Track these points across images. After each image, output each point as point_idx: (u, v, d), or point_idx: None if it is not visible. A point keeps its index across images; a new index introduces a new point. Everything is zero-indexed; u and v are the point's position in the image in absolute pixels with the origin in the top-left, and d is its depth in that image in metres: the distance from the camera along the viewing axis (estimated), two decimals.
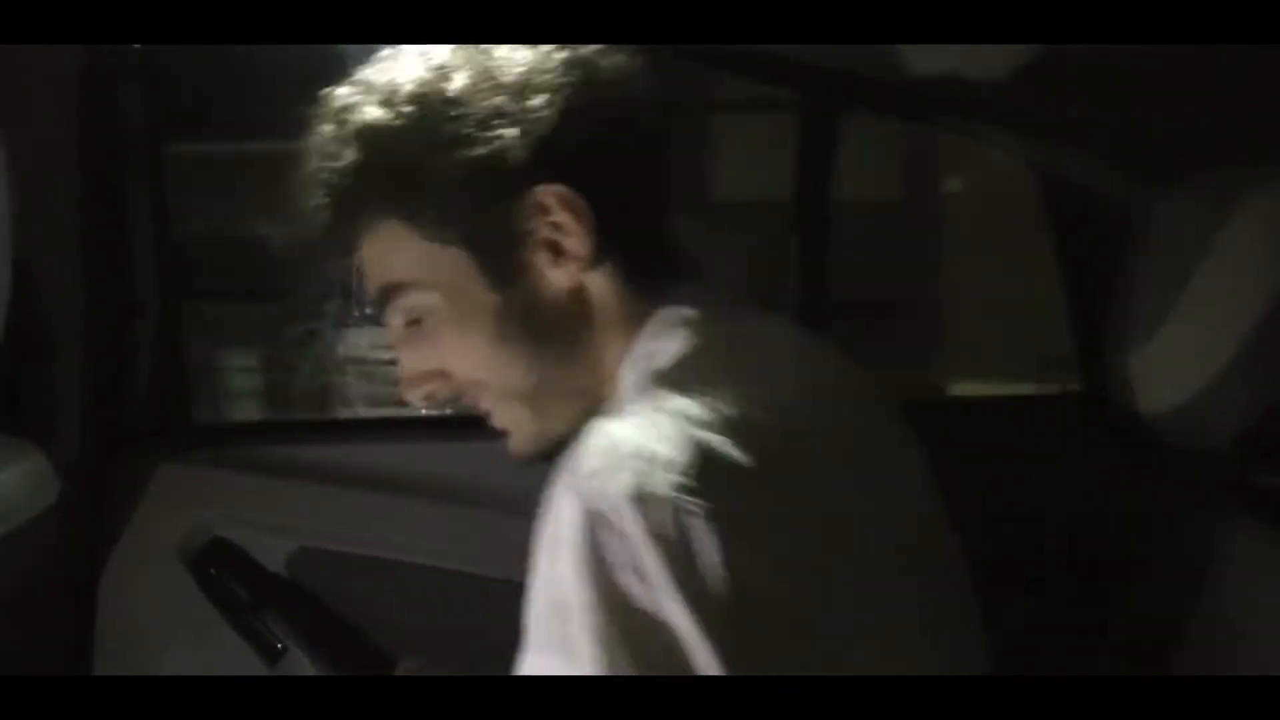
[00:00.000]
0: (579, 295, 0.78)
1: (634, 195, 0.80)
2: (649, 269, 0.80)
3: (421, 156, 0.76)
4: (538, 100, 0.75)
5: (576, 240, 0.76)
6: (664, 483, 0.61)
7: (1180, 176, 0.95)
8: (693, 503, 0.61)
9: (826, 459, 0.70)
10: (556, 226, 0.76)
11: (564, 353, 0.79)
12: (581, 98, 0.76)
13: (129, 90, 1.29)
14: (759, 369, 0.74)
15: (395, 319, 0.81)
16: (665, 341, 0.76)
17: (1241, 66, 0.83)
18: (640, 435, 0.64)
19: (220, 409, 1.55)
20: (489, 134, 0.75)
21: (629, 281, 0.79)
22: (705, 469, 0.62)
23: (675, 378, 0.72)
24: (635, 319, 0.79)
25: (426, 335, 0.80)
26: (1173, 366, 0.89)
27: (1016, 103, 1.32)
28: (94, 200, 1.22)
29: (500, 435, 0.83)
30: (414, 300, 0.79)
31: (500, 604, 1.40)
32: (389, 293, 0.80)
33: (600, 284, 0.79)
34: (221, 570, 1.32)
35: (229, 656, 1.28)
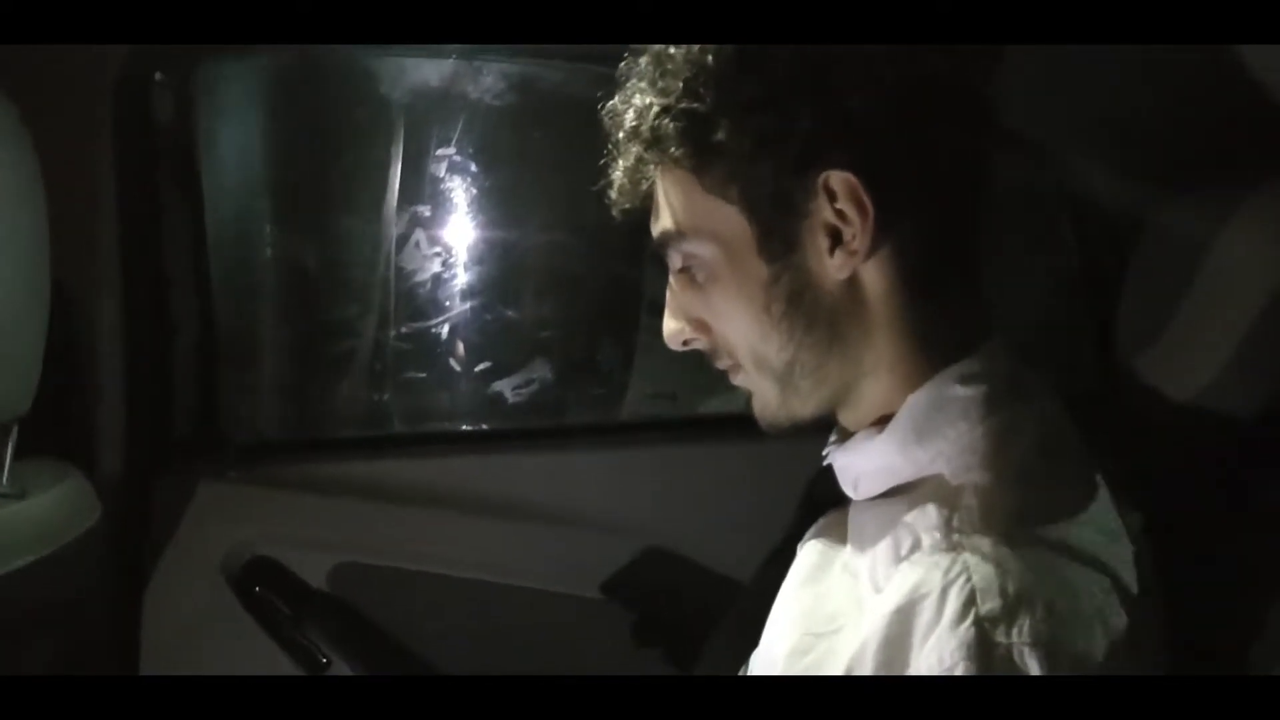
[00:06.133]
0: (850, 287, 0.75)
1: (928, 197, 0.75)
2: (930, 275, 0.76)
3: (719, 110, 0.74)
4: (845, 80, 0.72)
5: (856, 233, 0.73)
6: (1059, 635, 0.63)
7: (1184, 183, 0.96)
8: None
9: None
10: (840, 214, 0.73)
11: (823, 340, 0.76)
12: (897, 86, 0.72)
13: (164, 103, 1.30)
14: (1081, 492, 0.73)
15: (674, 263, 0.81)
16: (976, 408, 0.74)
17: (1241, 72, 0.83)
18: (1031, 579, 0.65)
19: (257, 427, 1.55)
20: (788, 105, 0.72)
21: (907, 284, 0.76)
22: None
23: (1020, 508, 0.70)
24: (908, 323, 0.76)
25: (696, 286, 0.80)
26: (1175, 368, 0.89)
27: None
28: (130, 217, 1.23)
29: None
30: (690, 248, 0.79)
31: (538, 615, 1.42)
32: (670, 237, 0.80)
33: (875, 279, 0.75)
34: (264, 587, 1.33)
35: (274, 673, 1.29)
